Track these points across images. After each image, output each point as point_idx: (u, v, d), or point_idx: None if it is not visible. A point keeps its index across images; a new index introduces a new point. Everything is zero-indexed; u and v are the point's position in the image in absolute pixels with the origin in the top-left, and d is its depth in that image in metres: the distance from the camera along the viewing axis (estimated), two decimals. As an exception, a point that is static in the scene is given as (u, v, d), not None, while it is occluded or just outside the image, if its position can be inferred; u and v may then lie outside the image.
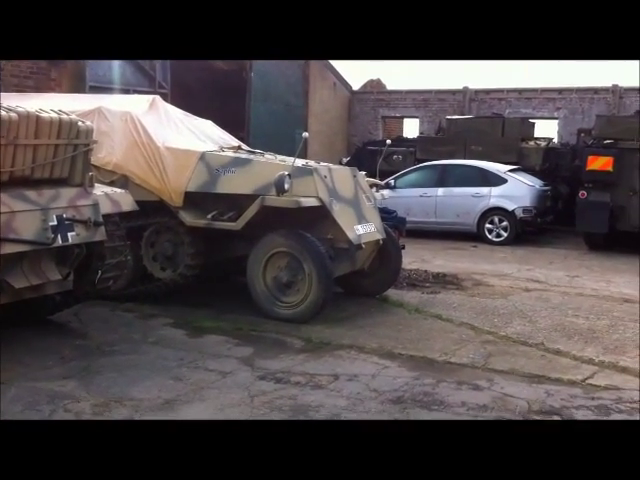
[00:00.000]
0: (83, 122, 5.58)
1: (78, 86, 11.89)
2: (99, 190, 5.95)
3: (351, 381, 5.14)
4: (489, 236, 12.89)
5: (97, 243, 5.85)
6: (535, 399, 4.82)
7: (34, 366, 5.31)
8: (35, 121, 5.15)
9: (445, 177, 13.55)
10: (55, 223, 5.36)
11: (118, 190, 6.24)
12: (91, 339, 6.12)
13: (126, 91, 12.52)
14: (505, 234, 12.81)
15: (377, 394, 4.87)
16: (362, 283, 7.83)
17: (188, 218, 7.13)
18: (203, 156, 7.17)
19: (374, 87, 22.79)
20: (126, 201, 6.16)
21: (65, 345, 5.86)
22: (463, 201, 13.08)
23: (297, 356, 5.75)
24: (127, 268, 6.83)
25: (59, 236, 5.38)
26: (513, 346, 6.13)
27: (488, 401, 4.78)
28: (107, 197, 5.96)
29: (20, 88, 11.01)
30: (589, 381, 5.25)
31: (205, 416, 4.43)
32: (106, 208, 5.88)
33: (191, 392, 4.88)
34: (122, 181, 7.18)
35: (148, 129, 7.32)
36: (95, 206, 5.71)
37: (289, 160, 7.25)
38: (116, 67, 12.75)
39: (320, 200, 6.81)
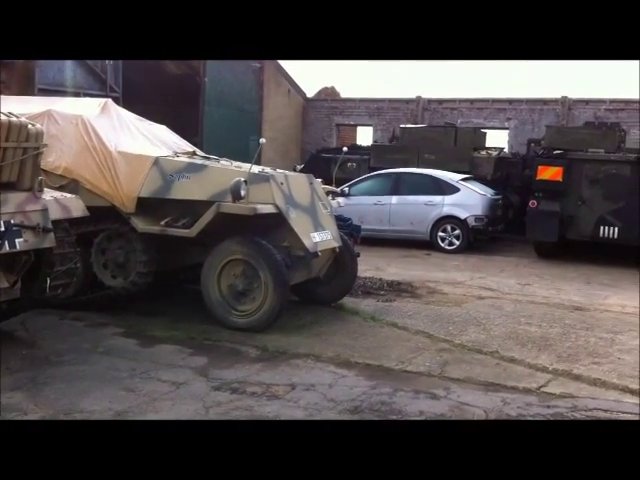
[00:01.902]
0: (33, 125, 5.40)
1: (27, 88, 11.59)
2: (48, 195, 5.77)
3: (308, 391, 5.08)
4: (442, 244, 13.00)
5: (46, 250, 5.66)
6: (492, 407, 4.84)
7: (-23, 377, 5.10)
8: (-18, 123, 4.96)
9: (399, 185, 13.62)
10: (2, 229, 5.17)
11: (68, 195, 6.05)
12: (39, 349, 5.93)
13: (77, 94, 12.24)
14: (457, 242, 12.93)
15: (335, 404, 4.82)
16: (318, 291, 7.79)
17: (141, 224, 6.98)
18: (157, 161, 7.03)
19: (328, 95, 22.85)
20: (76, 207, 5.98)
21: (11, 355, 5.66)
22: (416, 209, 13.17)
23: (253, 366, 5.66)
24: (77, 275, 6.65)
25: (6, 242, 5.19)
26: (468, 354, 6.16)
27: (445, 410, 4.78)
28: (57, 202, 5.78)
29: (-35, 89, 10.67)
30: (544, 389, 5.30)
31: (159, 428, 4.30)
32: (56, 214, 5.70)
33: (144, 404, 4.76)
34: (72, 186, 6.99)
35: (100, 133, 7.15)
36: (44, 212, 5.53)
37: (245, 166, 7.16)
38: (67, 69, 12.48)
39: (277, 207, 6.74)
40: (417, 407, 4.81)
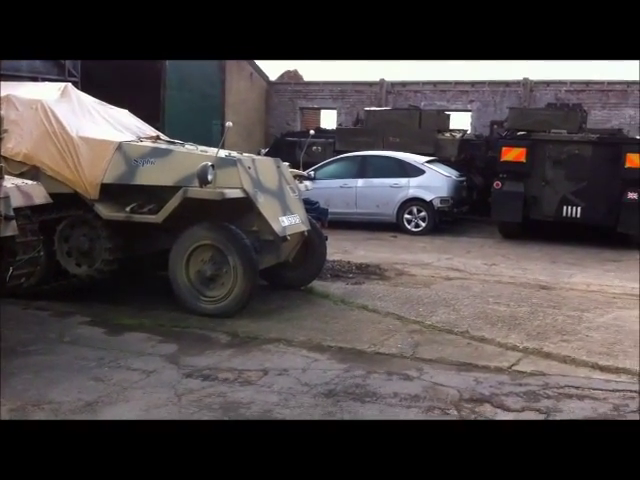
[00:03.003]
0: (-9, 110, 5.21)
1: (-19, 73, 11.22)
2: (9, 182, 5.58)
3: (281, 376, 5.04)
4: (408, 226, 13.04)
5: (8, 238, 5.48)
6: (465, 387, 4.86)
7: (-59, 371, 4.95)
8: (-62, 108, 4.76)
9: (364, 168, 13.62)
10: (-39, 217, 4.99)
11: (30, 182, 5.86)
12: (3, 340, 5.75)
13: (34, 79, 11.89)
14: (423, 224, 12.99)
15: (309, 388, 4.79)
16: (287, 275, 7.74)
17: (105, 211, 6.83)
18: (120, 146, 6.88)
19: (291, 78, 22.71)
20: (38, 194, 5.80)
21: (-26, 347, 5.51)
22: (382, 192, 13.18)
23: (224, 352, 5.60)
24: (40, 264, 6.48)
25: (-34, 231, 5.01)
26: (439, 335, 6.19)
27: (419, 391, 4.78)
28: (18, 189, 5.59)
29: None
30: (515, 367, 5.34)
31: (130, 417, 4.23)
32: (17, 201, 5.51)
33: (114, 393, 4.67)
34: (33, 172, 6.80)
35: (60, 118, 6.96)
36: (6, 199, 5.34)
37: (211, 151, 7.05)
38: (23, 53, 12.09)
39: (244, 191, 6.66)
40: (391, 389, 4.81)
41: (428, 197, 12.98)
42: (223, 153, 6.90)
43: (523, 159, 12.23)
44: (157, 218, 6.62)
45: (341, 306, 7.15)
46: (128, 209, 6.78)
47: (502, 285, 8.39)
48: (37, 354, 5.42)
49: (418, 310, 7.02)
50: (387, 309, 7.02)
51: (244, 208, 6.76)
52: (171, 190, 6.62)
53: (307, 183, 8.56)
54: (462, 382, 4.97)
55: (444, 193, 13.09)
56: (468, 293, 7.86)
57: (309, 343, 5.84)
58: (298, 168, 8.75)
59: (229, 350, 5.64)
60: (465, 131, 16.75)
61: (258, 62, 21.04)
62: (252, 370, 5.15)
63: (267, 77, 21.74)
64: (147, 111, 13.89)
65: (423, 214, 13.01)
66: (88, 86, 12.70)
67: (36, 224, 6.00)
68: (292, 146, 15.00)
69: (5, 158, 6.66)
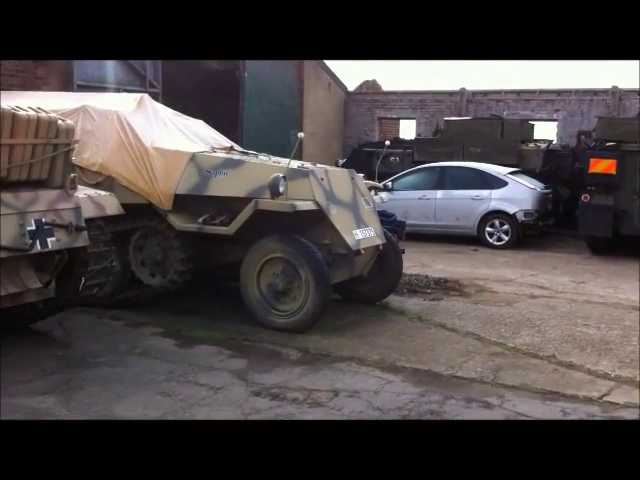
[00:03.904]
0: (63, 120, 5.21)
1: (66, 84, 11.52)
2: (82, 193, 5.59)
3: (352, 398, 4.79)
4: (490, 240, 12.56)
5: (79, 249, 5.49)
6: (551, 418, 4.47)
7: (12, 380, 4.94)
8: (11, 119, 4.78)
9: (444, 179, 13.23)
10: (33, 228, 5.00)
11: (102, 192, 5.87)
12: (75, 350, 5.76)
13: (116, 90, 12.14)
14: (506, 238, 12.49)
15: (381, 413, 4.52)
16: (361, 290, 7.48)
17: (178, 222, 6.77)
18: (193, 157, 6.81)
19: (370, 88, 22.48)
20: (111, 204, 5.80)
21: (46, 356, 5.52)
22: (463, 204, 12.76)
23: (294, 369, 5.39)
24: (113, 274, 6.49)
25: (38, 242, 5.02)
26: (523, 359, 5.79)
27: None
28: (90, 200, 5.60)
29: (5, 87, 10.61)
30: (607, 398, 4.89)
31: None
32: (89, 212, 5.53)
33: (180, 410, 4.54)
34: (108, 183, 6.82)
35: (135, 129, 6.96)
36: (77, 210, 5.35)
37: (284, 162, 6.90)
38: (105, 66, 12.38)
39: (317, 203, 6.46)
40: (469, 417, 4.48)
41: (511, 210, 12.47)
42: (295, 164, 6.74)
43: (613, 171, 11.57)
44: (229, 230, 6.50)
45: (417, 323, 6.84)
46: (200, 220, 6.69)
47: (591, 305, 7.86)
48: (107, 365, 5.37)
49: (500, 330, 6.63)
50: (466, 328, 6.66)
51: (316, 220, 6.56)
52: (243, 201, 6.50)
53: (383, 195, 8.31)
54: (548, 412, 4.58)
55: (528, 206, 12.55)
56: (554, 313, 7.38)
57: (382, 363, 5.57)
58: (374, 179, 8.51)
59: (299, 368, 5.43)
60: (550, 141, 16.10)
61: (336, 72, 20.95)
62: (322, 390, 4.92)
63: (345, 87, 21.60)
64: (226, 121, 14.00)
65: (506, 227, 12.51)
66: (168, 97, 12.92)
67: (108, 235, 6.00)
68: (369, 157, 14.78)
69: (81, 168, 6.74)
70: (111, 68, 12.45)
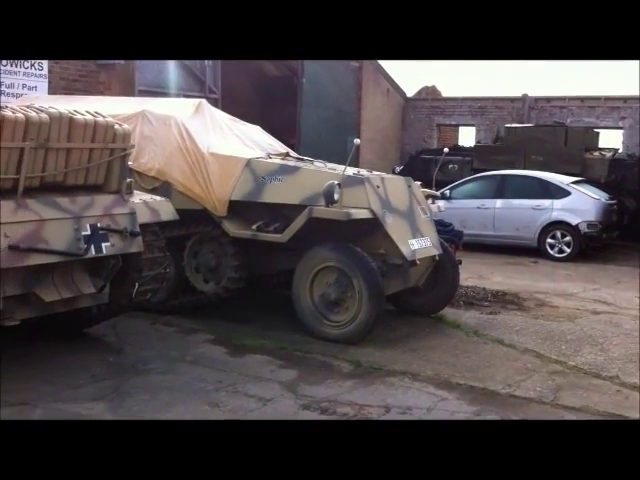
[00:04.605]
0: (120, 125, 5.22)
1: (127, 90, 11.70)
2: (137, 198, 5.59)
3: (404, 415, 4.64)
4: (551, 251, 12.18)
5: (134, 254, 5.49)
6: (615, 445, 4.24)
7: (62, 385, 4.97)
8: (68, 123, 4.81)
9: (504, 188, 12.90)
10: (88, 233, 5.01)
11: (158, 198, 5.87)
12: (126, 355, 5.77)
13: (176, 95, 12.26)
14: (568, 250, 12.09)
15: (433, 432, 4.35)
16: (416, 301, 7.31)
17: (232, 228, 6.74)
18: (249, 163, 6.77)
19: (429, 94, 22.21)
20: (166, 210, 5.79)
21: (98, 362, 5.53)
22: (523, 214, 12.42)
23: (345, 382, 5.27)
24: (167, 280, 6.49)
25: (92, 247, 5.03)
26: (584, 378, 5.53)
27: (560, 445, 4.22)
28: (145, 205, 5.60)
29: (69, 91, 10.86)
30: (676, 424, 4.62)
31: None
32: (144, 217, 5.52)
33: (227, 421, 4.46)
34: (165, 188, 6.84)
35: (192, 134, 6.96)
36: (132, 215, 5.35)
37: (339, 168, 6.79)
38: (166, 71, 12.53)
39: (372, 212, 6.33)
40: (527, 440, 4.27)
41: (574, 221, 12.07)
42: (351, 171, 6.62)
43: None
44: (282, 237, 6.43)
45: (473, 338, 6.63)
46: (254, 227, 6.64)
47: (658, 323, 7.51)
48: (156, 373, 5.35)
49: (560, 348, 6.36)
50: (525, 345, 6.42)
51: (371, 229, 6.43)
52: (297, 209, 6.42)
53: (440, 204, 8.11)
54: (612, 438, 4.34)
55: (592, 217, 12.13)
56: (618, 331, 7.06)
57: (436, 379, 5.39)
58: (432, 187, 8.33)
59: (350, 381, 5.30)
60: (616, 150, 15.56)
61: (395, 78, 20.76)
62: (373, 406, 4.78)
63: (404, 93, 21.38)
64: (283, 127, 14.01)
65: (568, 239, 12.11)
66: (227, 102, 12.98)
67: (163, 240, 5.99)
68: (427, 164, 14.56)
69: (139, 173, 6.78)
70: (172, 73, 12.58)
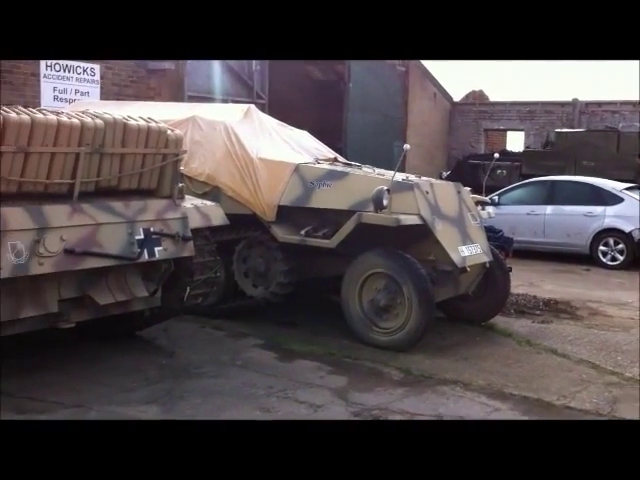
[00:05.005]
0: (172, 131, 5.27)
1: (177, 95, 11.86)
2: (189, 203, 5.64)
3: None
4: (603, 259, 11.89)
5: (185, 259, 5.53)
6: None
7: (115, 387, 5.03)
8: (122, 129, 4.87)
9: (554, 194, 12.64)
10: (142, 237, 5.07)
11: (208, 203, 5.91)
12: (178, 359, 5.81)
13: (224, 101, 12.39)
14: (621, 258, 11.77)
15: (487, 443, 4.26)
16: (466, 309, 7.20)
17: (280, 233, 6.75)
18: (297, 168, 6.77)
19: (476, 98, 22.01)
20: (216, 215, 5.82)
21: (151, 364, 5.58)
22: (574, 220, 12.15)
23: (395, 390, 5.21)
24: (217, 285, 6.53)
25: (145, 251, 5.08)
26: (643, 391, 5.37)
27: (620, 460, 4.09)
28: (197, 210, 5.64)
29: (120, 97, 11.06)
30: None
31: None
32: (195, 222, 5.56)
33: (278, 427, 4.44)
34: (214, 193, 6.89)
35: (242, 139, 6.99)
36: (184, 220, 5.40)
37: (388, 174, 6.75)
38: (215, 77, 12.67)
39: (421, 218, 6.26)
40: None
41: (627, 228, 11.75)
42: (400, 177, 6.57)
43: None
44: (331, 243, 6.41)
45: (525, 347, 6.49)
46: (303, 232, 6.63)
47: None
48: (208, 377, 5.37)
49: (616, 359, 6.19)
50: (579, 355, 6.27)
51: (420, 235, 6.36)
52: (345, 214, 6.39)
53: (490, 210, 7.98)
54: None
55: (646, 224, 11.81)
56: (676, 341, 6.85)
57: (489, 389, 5.29)
58: (481, 193, 8.21)
59: (401, 389, 5.24)
60: (671, 155, 15.15)
61: (442, 82, 20.61)
62: (425, 415, 4.72)
63: (451, 97, 21.22)
64: (330, 132, 14.00)
65: (621, 246, 11.80)
66: (274, 107, 13.05)
67: (214, 245, 6.03)
68: (475, 169, 14.42)
69: (189, 178, 6.84)
70: (220, 79, 12.72)
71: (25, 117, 4.38)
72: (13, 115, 4.34)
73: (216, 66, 12.66)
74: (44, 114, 4.53)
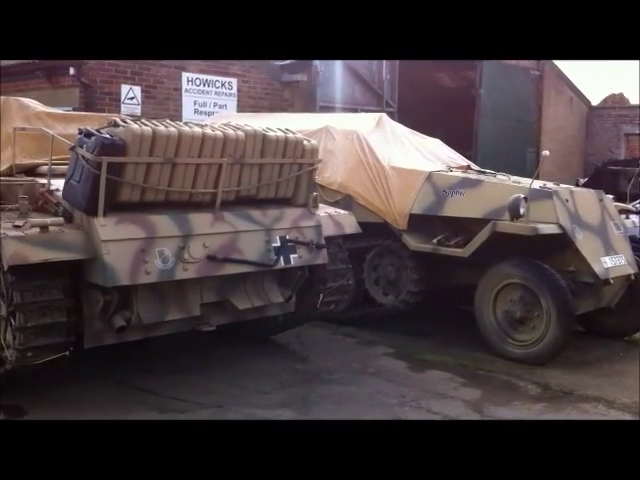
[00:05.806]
0: (308, 141, 5.38)
1: (309, 106, 12.12)
2: (322, 211, 5.73)
3: (600, 444, 4.34)
4: None
5: (319, 266, 5.63)
6: None
7: (252, 390, 5.19)
8: (262, 140, 5.03)
9: None
10: (278, 244, 5.20)
11: (341, 211, 5.99)
12: (310, 364, 5.90)
13: (354, 110, 12.52)
14: None
15: (635, 466, 4.04)
16: (608, 322, 6.84)
17: (412, 242, 6.71)
18: (430, 176, 6.72)
19: (616, 102, 20.88)
20: (349, 223, 5.89)
21: (285, 369, 5.71)
22: None
23: (533, 405, 5.04)
24: (349, 292, 6.57)
25: (282, 258, 5.21)
26: None
27: None
28: (330, 218, 5.73)
29: (256, 108, 11.45)
30: None
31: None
32: (329, 230, 5.65)
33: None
34: (346, 201, 6.96)
35: (374, 148, 7.03)
36: (318, 228, 5.49)
37: (524, 181, 6.55)
38: (345, 87, 12.83)
39: (561, 227, 6.02)
40: None
41: None
42: (537, 184, 6.35)
43: None
44: (464, 252, 6.30)
45: (675, 365, 6.10)
46: (435, 241, 6.57)
47: None
48: (340, 383, 5.42)
49: None
50: None
51: (559, 245, 6.12)
52: (479, 223, 6.26)
53: (635, 219, 7.56)
54: None
55: None
56: None
57: (634, 407, 5.00)
58: (624, 201, 7.80)
59: (539, 404, 5.06)
60: None
61: (579, 86, 19.76)
62: (565, 432, 4.52)
63: (588, 101, 20.29)
64: (459, 139, 13.78)
65: None
66: (404, 115, 13.03)
67: (346, 253, 6.09)
68: (616, 176, 13.63)
69: (322, 186, 6.95)
70: (351, 89, 12.87)
71: (173, 130, 4.61)
72: (162, 128, 4.58)
73: (347, 76, 12.83)
74: (190, 127, 4.76)
